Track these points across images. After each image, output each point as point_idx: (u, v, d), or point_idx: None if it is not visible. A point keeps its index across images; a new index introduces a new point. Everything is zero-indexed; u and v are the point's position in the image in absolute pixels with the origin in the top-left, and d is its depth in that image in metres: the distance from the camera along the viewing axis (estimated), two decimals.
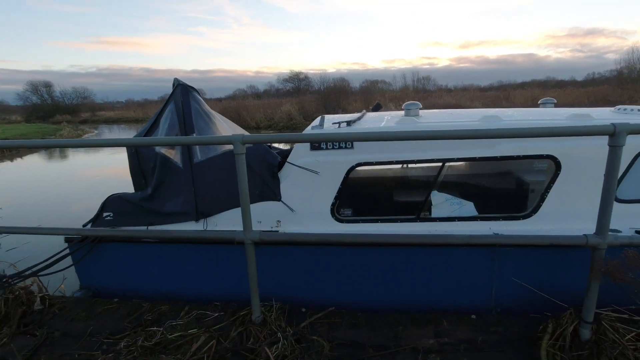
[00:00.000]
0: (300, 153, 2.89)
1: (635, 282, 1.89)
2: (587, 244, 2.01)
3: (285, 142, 2.98)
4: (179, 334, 2.41)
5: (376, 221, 2.86)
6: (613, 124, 1.85)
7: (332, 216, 2.89)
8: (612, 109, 3.16)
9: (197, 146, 3.07)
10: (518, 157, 2.64)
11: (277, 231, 2.95)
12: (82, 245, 3.07)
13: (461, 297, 2.69)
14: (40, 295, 2.90)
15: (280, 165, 3.00)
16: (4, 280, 2.82)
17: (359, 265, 2.75)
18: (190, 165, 3.07)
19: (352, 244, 2.60)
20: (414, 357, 2.19)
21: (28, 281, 3.09)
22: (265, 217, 2.99)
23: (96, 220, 3.22)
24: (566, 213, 2.62)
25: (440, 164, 2.73)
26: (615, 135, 1.86)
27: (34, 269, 2.92)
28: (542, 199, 2.63)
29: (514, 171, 3.17)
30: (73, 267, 3.17)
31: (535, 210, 2.65)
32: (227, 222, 3.05)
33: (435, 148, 2.70)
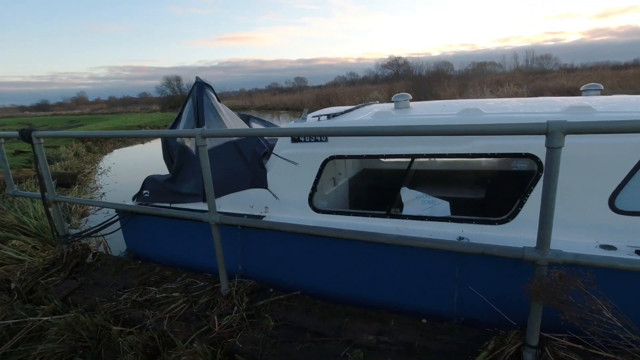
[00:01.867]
0: (283, 144, 3.07)
1: (566, 306, 1.62)
2: (523, 257, 1.78)
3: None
4: (166, 294, 2.90)
5: (349, 214, 2.89)
6: (547, 122, 1.60)
7: (310, 206, 3.03)
8: (636, 98, 2.52)
9: None
10: (493, 155, 2.37)
11: (264, 216, 3.22)
12: (124, 215, 3.82)
13: (424, 300, 2.58)
14: (94, 252, 3.75)
15: (268, 155, 3.24)
16: (68, 237, 3.72)
17: (327, 256, 2.84)
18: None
19: (305, 234, 2.64)
20: (342, 349, 2.25)
21: (92, 240, 3.99)
22: (256, 202, 3.28)
23: (138, 196, 3.94)
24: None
25: (409, 159, 2.62)
26: (549, 135, 1.61)
27: (89, 231, 3.77)
28: (522, 203, 2.33)
29: (495, 171, 2.81)
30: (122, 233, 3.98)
31: (513, 215, 2.36)
32: (228, 204, 3.43)
33: (405, 143, 2.60)
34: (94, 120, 33.60)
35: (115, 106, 64.04)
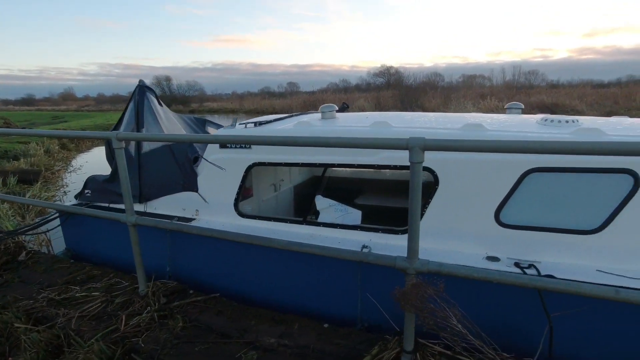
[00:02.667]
0: (212, 150, 3.14)
1: (423, 313, 1.71)
2: (395, 266, 1.88)
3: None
4: (86, 294, 2.92)
5: (270, 219, 2.97)
6: (408, 139, 1.71)
7: (235, 211, 3.10)
8: (539, 118, 2.66)
9: None
10: (396, 167, 2.48)
11: (194, 219, 3.27)
12: (63, 214, 3.83)
13: (331, 306, 2.66)
14: (28, 250, 3.74)
15: (197, 160, 3.31)
16: (5, 232, 3.71)
17: (244, 260, 2.91)
18: (138, 155, 3.57)
19: (211, 236, 2.67)
20: (240, 350, 2.31)
21: (30, 238, 3.98)
22: (189, 205, 3.34)
23: (80, 195, 3.96)
24: (445, 231, 2.38)
25: (322, 168, 2.72)
26: (409, 150, 1.71)
27: (24, 229, 3.77)
28: (421, 214, 2.43)
29: (402, 181, 2.93)
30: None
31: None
32: (164, 206, 3.47)
33: (319, 153, 2.69)
34: (78, 117, 33.19)
35: (103, 103, 63.29)
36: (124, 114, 3.85)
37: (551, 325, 1.92)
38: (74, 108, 54.50)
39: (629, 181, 1.98)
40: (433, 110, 24.25)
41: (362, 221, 2.79)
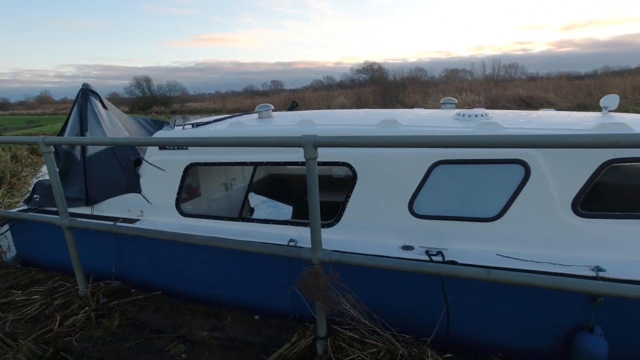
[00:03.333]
0: (152, 152, 3.20)
1: (322, 298, 1.82)
2: (301, 257, 1.99)
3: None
4: (26, 297, 2.95)
5: (209, 218, 3.05)
6: (301, 137, 1.81)
7: (177, 210, 3.16)
8: (454, 113, 2.81)
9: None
10: (319, 163, 2.58)
11: (139, 219, 3.32)
12: (8, 221, 3.82)
13: (266, 299, 2.75)
14: None
15: (139, 162, 3.35)
16: None
17: (184, 258, 2.98)
18: (83, 158, 3.59)
19: (142, 236, 2.75)
20: (170, 344, 2.39)
21: None
22: (133, 207, 3.38)
23: (29, 200, 3.95)
24: (365, 224, 2.50)
25: (253, 166, 2.81)
26: (303, 147, 1.82)
27: None
28: (343, 208, 2.55)
29: (327, 178, 3.06)
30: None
31: (338, 219, 2.58)
32: (111, 208, 3.50)
33: (249, 152, 2.78)
34: (54, 120, 32.47)
35: None
36: (68, 118, 3.86)
37: (448, 307, 2.05)
38: (51, 111, 53.10)
39: (520, 171, 2.12)
40: (412, 106, 24.56)
41: (301, 217, 2.89)
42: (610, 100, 2.68)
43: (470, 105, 21.20)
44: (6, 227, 3.96)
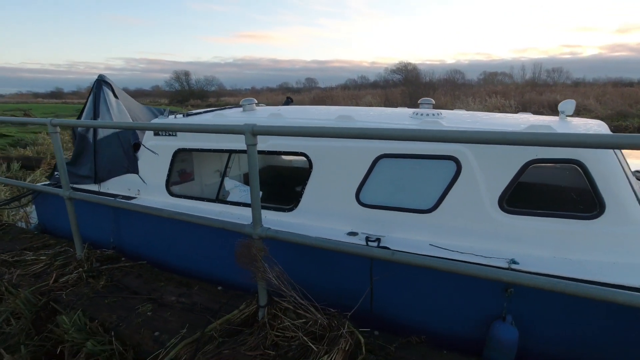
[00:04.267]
0: (148, 137, 3.58)
1: (255, 269, 2.08)
2: (244, 231, 2.25)
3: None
4: (35, 258, 3.43)
5: (192, 198, 3.38)
6: (243, 124, 2.07)
7: (167, 191, 3.52)
8: (411, 112, 2.94)
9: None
10: (278, 153, 2.84)
11: (136, 197, 3.72)
12: (35, 192, 4.37)
13: (229, 273, 3.03)
14: (2, 223, 4.30)
15: (138, 146, 3.75)
16: None
17: (167, 232, 3.33)
18: (94, 140, 4.05)
19: (128, 209, 3.13)
20: (140, 304, 2.73)
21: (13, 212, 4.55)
22: (132, 186, 3.79)
23: (51, 176, 4.50)
24: (320, 210, 2.72)
25: (228, 154, 3.10)
26: (245, 135, 2.07)
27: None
28: (301, 194, 2.79)
29: (292, 166, 3.27)
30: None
31: (296, 204, 2.82)
32: (115, 186, 3.94)
33: (225, 140, 3.07)
34: None
35: None
36: (85, 104, 4.34)
37: (372, 287, 2.24)
38: None
39: (452, 167, 2.27)
40: (441, 108, 24.13)
41: (267, 201, 3.15)
42: (567, 105, 2.74)
43: (501, 110, 20.55)
44: (31, 199, 4.53)
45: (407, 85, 31.71)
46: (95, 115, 4.08)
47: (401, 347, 2.15)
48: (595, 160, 2.02)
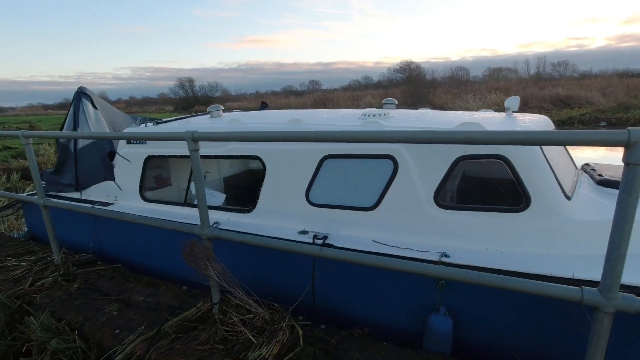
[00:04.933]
0: (122, 145, 3.74)
1: (199, 267, 2.20)
2: (193, 232, 2.38)
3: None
4: (17, 263, 3.60)
5: (163, 203, 3.52)
6: (185, 132, 2.19)
7: (140, 196, 3.67)
8: (360, 113, 3.03)
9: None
10: (235, 157, 2.96)
11: (113, 203, 3.88)
12: (23, 201, 4.57)
13: (191, 273, 3.16)
14: None
15: (114, 154, 3.91)
16: None
17: (136, 235, 3.47)
18: (75, 150, 4.23)
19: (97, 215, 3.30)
20: (107, 305, 2.87)
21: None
22: (110, 192, 3.95)
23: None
24: (275, 210, 2.83)
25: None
26: (186, 140, 2.20)
27: None
28: (257, 195, 2.90)
29: (251, 169, 3.38)
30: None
31: (254, 206, 2.94)
32: (94, 193, 4.11)
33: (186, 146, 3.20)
34: None
35: (133, 106, 66.67)
36: (66, 116, 4.53)
37: (314, 282, 2.35)
38: None
39: (390, 165, 2.36)
40: (441, 106, 24.07)
41: (235, 203, 3.27)
42: (512, 102, 2.81)
43: (500, 106, 20.41)
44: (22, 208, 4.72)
45: (408, 84, 31.65)
46: (75, 126, 4.26)
47: (343, 340, 2.25)
48: (519, 156, 2.10)
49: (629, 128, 1.24)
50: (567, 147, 3.15)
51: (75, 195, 4.20)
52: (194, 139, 2.17)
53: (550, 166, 2.14)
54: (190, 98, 60.69)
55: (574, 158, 3.15)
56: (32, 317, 2.67)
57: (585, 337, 1.47)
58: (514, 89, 23.61)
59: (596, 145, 1.35)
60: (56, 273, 3.29)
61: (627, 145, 1.23)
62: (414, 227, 2.34)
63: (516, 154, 2.10)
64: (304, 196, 2.69)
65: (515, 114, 2.91)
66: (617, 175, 2.66)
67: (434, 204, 2.28)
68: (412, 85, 29.48)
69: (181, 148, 3.29)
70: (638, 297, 1.38)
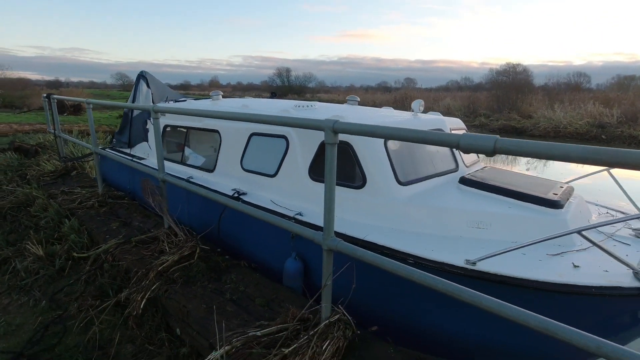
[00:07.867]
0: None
1: (156, 202, 3.25)
2: (157, 176, 3.44)
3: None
4: (80, 191, 5.20)
5: (171, 161, 4.73)
6: (151, 105, 3.25)
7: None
8: (293, 104, 3.68)
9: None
10: (206, 130, 3.94)
11: (145, 159, 5.26)
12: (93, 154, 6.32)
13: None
14: (78, 171, 6.35)
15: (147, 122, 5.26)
16: (63, 158, 6.40)
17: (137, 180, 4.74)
18: (131, 117, 5.75)
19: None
20: (113, 222, 4.16)
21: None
22: (146, 151, 5.35)
23: (110, 142, 6.42)
24: (225, 172, 3.76)
25: (185, 129, 4.34)
26: (150, 112, 3.25)
27: (76, 158, 6.39)
28: (217, 159, 3.86)
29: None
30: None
31: (215, 167, 3.90)
32: (138, 150, 5.57)
33: (185, 120, 4.31)
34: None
35: (238, 91, 74.00)
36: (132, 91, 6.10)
37: (220, 220, 3.22)
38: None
39: (284, 143, 3.09)
40: (529, 115, 22.01)
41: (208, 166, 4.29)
42: (416, 105, 3.27)
43: (598, 118, 17.92)
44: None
45: (497, 88, 29.42)
46: (134, 100, 5.77)
47: (231, 266, 3.10)
48: (361, 145, 2.65)
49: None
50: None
51: (127, 150, 5.71)
52: (155, 110, 3.21)
53: (388, 155, 2.65)
54: (286, 86, 64.98)
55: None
56: (67, 220, 4.08)
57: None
58: (623, 102, 20.33)
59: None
60: (94, 199, 4.75)
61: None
62: (295, 193, 3.05)
63: (359, 144, 2.66)
64: (239, 163, 3.56)
65: (422, 114, 3.33)
66: (487, 177, 2.95)
67: (307, 176, 2.96)
68: (500, 89, 27.38)
69: (181, 121, 4.43)
70: (341, 240, 1.96)
